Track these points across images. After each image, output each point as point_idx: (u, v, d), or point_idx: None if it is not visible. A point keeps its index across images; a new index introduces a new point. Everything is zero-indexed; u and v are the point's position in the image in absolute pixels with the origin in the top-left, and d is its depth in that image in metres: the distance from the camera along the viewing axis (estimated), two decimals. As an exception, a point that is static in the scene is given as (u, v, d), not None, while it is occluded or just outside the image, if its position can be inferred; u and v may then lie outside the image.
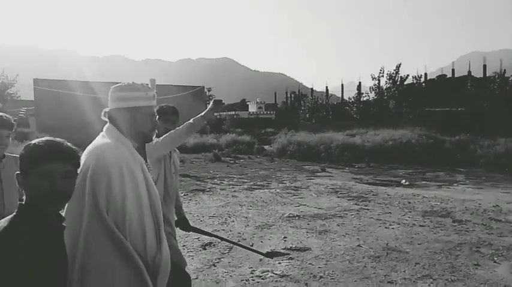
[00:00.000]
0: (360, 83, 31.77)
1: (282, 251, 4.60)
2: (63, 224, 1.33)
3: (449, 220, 5.94)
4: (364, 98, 29.12)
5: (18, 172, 1.28)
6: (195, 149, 20.78)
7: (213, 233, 3.41)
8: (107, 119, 1.69)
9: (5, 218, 1.25)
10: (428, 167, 13.33)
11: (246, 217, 6.26)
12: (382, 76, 26.54)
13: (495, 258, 4.28)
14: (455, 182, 10.22)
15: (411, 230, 5.42)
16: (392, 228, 5.52)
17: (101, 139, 1.63)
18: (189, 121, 2.34)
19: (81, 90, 33.19)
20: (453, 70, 45.12)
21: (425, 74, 38.00)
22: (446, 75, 46.74)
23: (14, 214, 1.25)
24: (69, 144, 1.31)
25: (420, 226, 5.63)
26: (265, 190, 8.91)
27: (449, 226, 5.60)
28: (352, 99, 29.39)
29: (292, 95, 62.25)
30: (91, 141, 1.68)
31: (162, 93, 35.12)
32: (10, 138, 2.30)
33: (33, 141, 1.29)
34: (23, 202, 1.28)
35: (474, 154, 14.12)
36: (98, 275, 1.43)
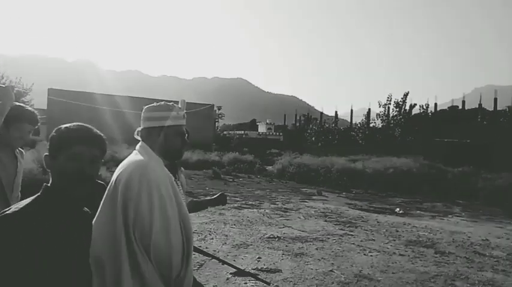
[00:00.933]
0: (369, 109, 31.79)
1: (252, 271, 4.53)
2: (85, 209, 1.35)
3: (431, 251, 5.80)
4: (372, 125, 29.10)
5: (46, 153, 1.30)
6: (197, 165, 20.84)
7: (203, 250, 3.42)
8: (139, 138, 1.74)
9: (28, 198, 1.25)
10: (427, 197, 13.11)
11: (226, 235, 6.22)
12: (390, 104, 26.50)
13: (469, 293, 4.15)
14: (450, 214, 10.02)
15: (389, 258, 5.30)
16: (371, 255, 5.41)
17: (134, 156, 1.68)
18: (196, 200, 2.42)
19: (95, 102, 33.93)
20: (463, 102, 45.00)
21: (436, 104, 37.93)
22: (457, 107, 46.52)
23: (38, 194, 1.26)
24: (98, 131, 1.34)
25: (400, 255, 5.51)
26: (255, 210, 8.86)
27: (430, 257, 5.47)
28: (359, 125, 29.34)
29: (302, 118, 62.58)
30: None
31: (172, 109, 35.73)
32: (31, 134, 2.38)
33: (64, 125, 1.32)
34: (49, 184, 1.29)
35: (475, 186, 13.86)
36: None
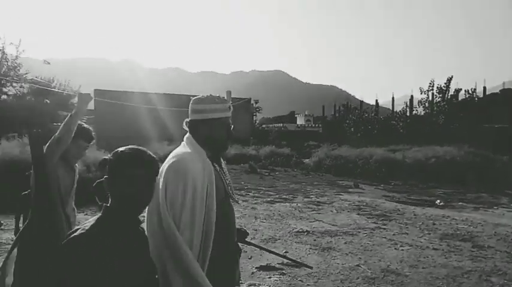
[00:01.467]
0: (411, 96, 30.45)
1: (277, 266, 4.58)
2: (141, 227, 1.44)
3: (469, 245, 5.54)
4: (414, 113, 27.88)
5: (106, 177, 1.37)
6: (235, 159, 21.11)
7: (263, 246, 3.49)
8: (187, 129, 1.83)
9: (91, 219, 1.35)
10: (472, 188, 12.45)
11: (256, 230, 6.30)
12: (432, 90, 25.27)
13: (503, 289, 3.94)
14: (496, 205, 9.46)
15: (421, 253, 5.13)
16: (402, 249, 5.27)
17: (179, 148, 1.78)
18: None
19: (139, 101, 35.34)
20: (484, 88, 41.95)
21: (484, 87, 35.67)
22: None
23: (100, 214, 1.35)
24: (151, 153, 1.41)
25: (433, 249, 5.31)
26: (287, 204, 8.88)
27: (466, 251, 5.23)
28: (399, 114, 28.26)
29: (342, 108, 61.25)
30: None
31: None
32: (86, 150, 2.58)
33: (120, 149, 1.39)
34: (108, 204, 1.36)
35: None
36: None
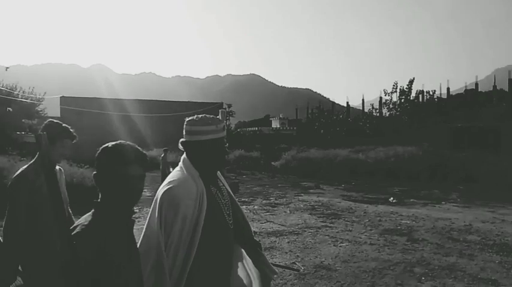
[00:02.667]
0: (380, 98, 31.27)
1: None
2: (132, 218, 1.44)
3: (404, 239, 5.84)
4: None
5: (95, 172, 1.35)
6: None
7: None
8: (182, 149, 1.81)
9: (86, 215, 1.34)
10: (427, 185, 13.00)
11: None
12: (395, 91, 26.14)
13: (423, 278, 4.21)
14: (445, 200, 9.94)
15: (357, 248, 5.38)
16: (340, 246, 5.50)
17: (176, 172, 1.78)
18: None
19: (106, 107, 34.75)
20: (476, 84, 43.82)
21: (448, 89, 37.08)
22: (474, 90, 45.26)
23: (93, 211, 1.34)
24: (140, 149, 1.38)
25: (370, 244, 5.58)
26: (244, 207, 9.01)
27: (399, 245, 5.52)
28: (365, 116, 29.05)
29: (315, 111, 62.10)
30: None
31: (185, 109, 35.88)
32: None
33: (109, 145, 1.36)
34: (99, 200, 1.36)
35: (477, 171, 13.65)
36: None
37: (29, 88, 35.94)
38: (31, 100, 33.67)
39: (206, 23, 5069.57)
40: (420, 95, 26.17)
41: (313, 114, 59.78)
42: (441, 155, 16.26)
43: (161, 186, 1.75)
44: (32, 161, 2.43)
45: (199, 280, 1.69)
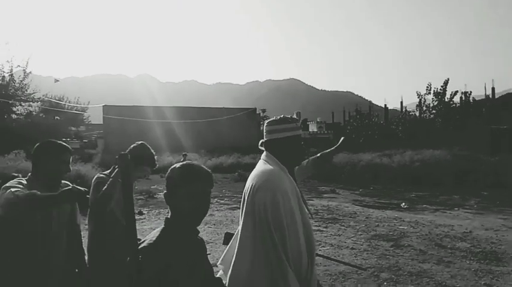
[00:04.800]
0: (420, 100, 30.22)
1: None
2: (199, 237, 1.51)
3: (389, 244, 5.78)
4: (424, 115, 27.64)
5: (165, 191, 1.45)
6: (230, 168, 21.57)
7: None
8: (263, 149, 1.93)
9: (157, 229, 1.44)
10: (450, 190, 12.47)
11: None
12: (429, 93, 25.22)
13: (385, 283, 4.21)
14: (460, 206, 9.54)
15: (336, 252, 5.42)
16: (320, 250, 5.56)
17: (263, 166, 1.83)
18: (316, 156, 2.43)
19: (149, 115, 36.42)
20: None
21: (493, 88, 35.07)
22: None
23: (163, 226, 1.43)
24: (205, 167, 1.48)
25: (351, 248, 5.59)
26: (249, 210, 9.25)
27: (381, 250, 5.48)
28: (398, 118, 28.24)
29: (354, 114, 60.96)
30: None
31: (219, 115, 36.90)
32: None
33: (178, 165, 1.47)
34: (169, 216, 1.45)
35: (509, 176, 12.89)
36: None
37: (75, 98, 38.46)
38: (76, 110, 36.01)
39: (245, 29, 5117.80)
40: (458, 96, 25.06)
41: (350, 117, 58.75)
42: (472, 159, 15.52)
43: (253, 179, 1.76)
44: (107, 172, 2.57)
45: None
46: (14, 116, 26.75)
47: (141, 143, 2.71)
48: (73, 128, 39.50)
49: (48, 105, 32.93)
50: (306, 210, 1.87)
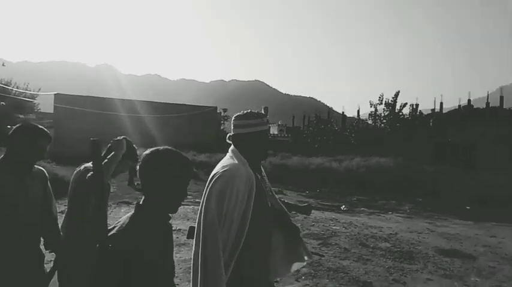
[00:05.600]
0: (376, 109, 31.33)
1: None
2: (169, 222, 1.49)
3: (317, 242, 6.05)
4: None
5: (139, 175, 1.41)
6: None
7: None
8: (230, 142, 1.98)
9: (126, 216, 1.40)
10: (389, 195, 13.17)
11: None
12: (381, 103, 26.42)
13: (303, 277, 4.42)
14: (394, 211, 10.13)
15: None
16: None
17: (226, 159, 1.93)
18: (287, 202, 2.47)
19: (106, 107, 35.09)
20: (469, 101, 43.88)
21: (441, 103, 37.23)
22: (472, 106, 45.32)
23: (132, 213, 1.40)
24: (183, 154, 1.45)
25: (281, 245, 5.78)
26: (193, 207, 9.25)
27: (309, 248, 5.64)
28: (351, 126, 29.34)
29: (314, 119, 62.32)
30: None
31: (176, 112, 36.00)
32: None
33: (154, 149, 1.42)
34: (140, 202, 1.41)
35: (440, 185, 13.83)
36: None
37: (24, 84, 36.42)
38: (24, 97, 34.12)
39: (213, 27, 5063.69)
40: (407, 108, 26.40)
41: (310, 122, 60.01)
42: (413, 168, 16.47)
43: (215, 169, 1.89)
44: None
45: (246, 257, 1.80)
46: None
47: (123, 138, 2.68)
48: (21, 116, 37.32)
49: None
50: (270, 203, 1.99)
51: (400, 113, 25.50)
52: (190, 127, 38.72)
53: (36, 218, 2.20)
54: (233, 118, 1.99)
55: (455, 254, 5.67)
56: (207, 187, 1.83)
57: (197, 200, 10.08)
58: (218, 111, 47.30)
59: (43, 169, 2.32)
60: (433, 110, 28.95)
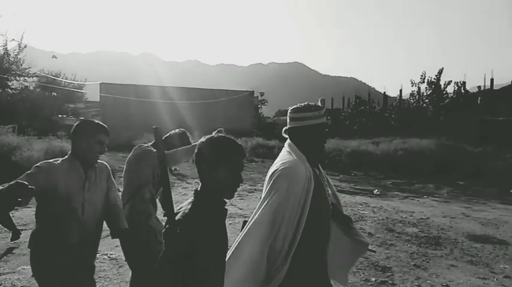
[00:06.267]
0: (419, 88, 30.02)
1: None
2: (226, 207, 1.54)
3: (342, 227, 6.03)
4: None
5: (204, 165, 1.45)
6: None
7: None
8: (287, 136, 1.97)
9: (186, 202, 1.46)
10: (428, 179, 12.71)
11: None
12: (423, 82, 25.19)
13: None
14: (430, 195, 9.78)
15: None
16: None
17: (284, 155, 1.91)
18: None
19: (148, 94, 36.40)
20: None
21: (492, 79, 34.88)
22: None
23: (192, 199, 1.45)
24: (236, 140, 1.51)
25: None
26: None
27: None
28: (391, 107, 28.30)
29: (357, 100, 60.87)
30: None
31: (212, 97, 36.60)
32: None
33: (214, 139, 1.47)
34: (199, 189, 1.47)
35: (485, 167, 13.11)
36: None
37: (72, 75, 38.39)
38: (72, 87, 36.02)
39: (249, 10, 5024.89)
40: (451, 86, 24.99)
41: (350, 103, 58.52)
42: (455, 149, 15.70)
43: (274, 166, 1.89)
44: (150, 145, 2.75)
45: (304, 253, 1.81)
46: (9, 90, 26.83)
47: (183, 131, 2.85)
48: (71, 105, 39.53)
49: (45, 81, 32.96)
50: (329, 198, 1.96)
51: (444, 92, 24.21)
52: (226, 112, 39.22)
53: (97, 216, 2.22)
54: (289, 111, 1.95)
55: (487, 240, 5.44)
56: (267, 184, 1.83)
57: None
58: (255, 95, 47.42)
59: (105, 163, 2.36)
60: (479, 87, 27.12)
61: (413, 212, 7.46)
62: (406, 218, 6.90)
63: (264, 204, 1.77)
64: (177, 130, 2.94)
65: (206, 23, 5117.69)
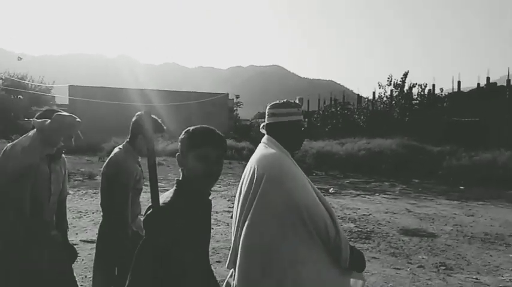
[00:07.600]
0: (391, 91, 30.65)
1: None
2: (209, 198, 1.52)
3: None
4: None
5: (178, 153, 1.47)
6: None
7: None
8: (264, 132, 1.94)
9: (168, 192, 1.46)
10: (386, 177, 13.03)
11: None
12: (389, 85, 25.86)
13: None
14: (383, 192, 10.03)
15: (216, 230, 5.76)
16: (212, 228, 5.85)
17: (265, 149, 1.84)
18: None
19: (115, 97, 35.79)
20: (488, 78, 42.30)
21: (459, 82, 35.99)
22: (496, 84, 43.49)
23: (174, 189, 1.45)
24: (219, 132, 1.47)
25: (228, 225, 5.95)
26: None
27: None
28: (360, 108, 28.90)
29: (332, 103, 61.65)
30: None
31: (187, 100, 36.32)
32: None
33: (191, 128, 1.48)
34: (180, 178, 1.47)
35: (439, 166, 13.57)
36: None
37: (39, 77, 37.40)
38: (39, 90, 35.08)
39: (228, 12, 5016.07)
40: (411, 89, 25.70)
41: (325, 106, 59.06)
42: (415, 148, 16.17)
43: (258, 162, 1.77)
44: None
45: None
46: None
47: (145, 111, 2.81)
48: (38, 109, 38.48)
49: (10, 83, 31.97)
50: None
51: (415, 94, 24.92)
52: (200, 114, 39.08)
53: (56, 202, 2.31)
54: (269, 107, 1.93)
55: (416, 234, 5.64)
56: (250, 181, 1.73)
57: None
58: (230, 97, 47.44)
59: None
60: (441, 90, 28.01)
61: (358, 209, 7.65)
62: (349, 214, 7.06)
63: (262, 216, 1.66)
64: (137, 114, 2.83)
65: (185, 25, 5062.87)
